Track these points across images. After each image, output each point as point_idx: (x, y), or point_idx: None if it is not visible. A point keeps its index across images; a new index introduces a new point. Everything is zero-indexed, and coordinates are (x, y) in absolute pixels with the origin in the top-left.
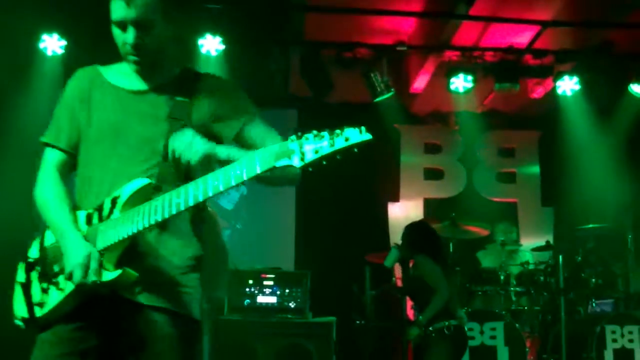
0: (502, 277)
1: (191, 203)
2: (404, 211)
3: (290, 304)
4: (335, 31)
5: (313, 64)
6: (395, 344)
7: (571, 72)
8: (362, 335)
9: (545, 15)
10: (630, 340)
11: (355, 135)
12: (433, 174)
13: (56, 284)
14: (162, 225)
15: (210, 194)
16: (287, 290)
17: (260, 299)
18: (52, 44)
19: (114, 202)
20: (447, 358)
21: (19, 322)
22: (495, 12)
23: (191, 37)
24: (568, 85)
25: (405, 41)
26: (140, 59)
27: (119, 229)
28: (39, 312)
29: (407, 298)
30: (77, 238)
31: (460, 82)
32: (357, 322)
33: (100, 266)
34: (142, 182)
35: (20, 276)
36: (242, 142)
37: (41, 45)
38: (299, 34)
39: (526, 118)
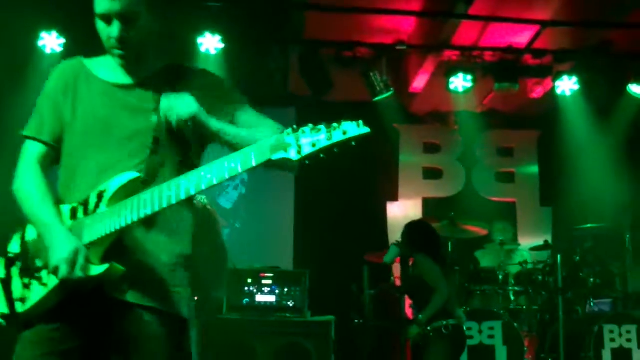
0: (500, 277)
1: (183, 196)
2: (403, 211)
3: (289, 303)
4: (335, 30)
5: (312, 63)
6: (394, 343)
7: (570, 72)
8: (360, 334)
9: (544, 15)
10: (628, 340)
11: (353, 128)
12: (432, 174)
13: (39, 279)
14: (150, 221)
15: (204, 187)
16: (285, 289)
17: (259, 298)
18: (51, 42)
19: (100, 196)
20: (446, 357)
21: None
22: (494, 12)
23: (188, 35)
24: (567, 85)
25: (404, 40)
26: (125, 53)
27: (106, 222)
28: (20, 307)
29: (406, 297)
30: (62, 232)
31: (460, 82)
32: (356, 321)
33: (87, 261)
34: (130, 175)
35: (0, 272)
36: None
37: (40, 43)
38: (298, 33)
39: (525, 118)
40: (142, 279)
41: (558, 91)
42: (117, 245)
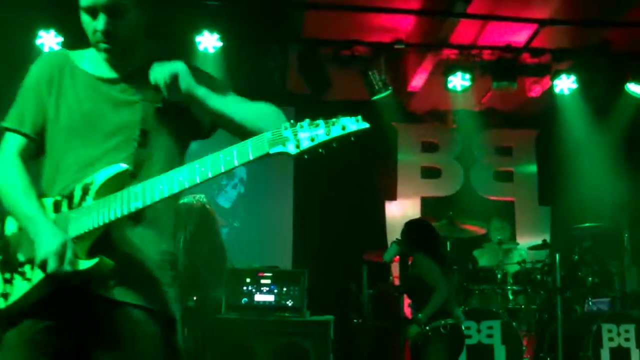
0: (499, 276)
1: (177, 190)
2: (401, 210)
3: (287, 303)
4: (334, 29)
5: (311, 61)
6: (392, 342)
7: (568, 71)
8: (359, 333)
9: (543, 13)
10: (627, 339)
11: (352, 123)
12: (430, 173)
13: (22, 274)
14: (138, 215)
15: (198, 181)
16: (284, 289)
17: (258, 297)
18: (49, 41)
19: (86, 189)
20: (444, 357)
21: None
22: (492, 11)
23: (186, 33)
24: (565, 84)
25: (403, 39)
26: (111, 47)
27: (93, 216)
28: (2, 303)
29: (405, 296)
30: (48, 225)
31: (458, 81)
32: (355, 320)
33: (75, 255)
34: (117, 168)
35: None
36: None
37: (38, 42)
38: (297, 32)
39: (523, 117)
40: (130, 275)
41: (556, 90)
42: (103, 240)
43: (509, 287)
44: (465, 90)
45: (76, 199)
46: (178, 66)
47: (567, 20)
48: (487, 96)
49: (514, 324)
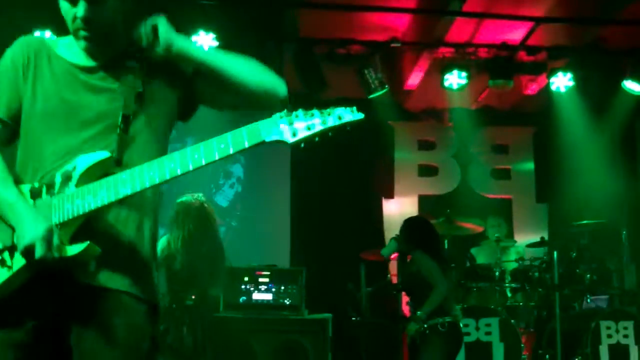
0: (497, 274)
1: (168, 177)
2: (398, 208)
3: (285, 301)
4: (329, 28)
5: (307, 60)
6: (390, 340)
7: (565, 69)
8: (357, 331)
9: (538, 11)
10: (625, 336)
11: (348, 114)
12: (427, 171)
13: (1, 262)
14: (123, 202)
15: (191, 168)
16: (282, 287)
17: (256, 296)
18: None
19: (67, 175)
20: (442, 354)
21: None
22: (488, 9)
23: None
24: (562, 82)
25: (399, 38)
26: (91, 34)
27: (77, 203)
28: None
29: (403, 294)
30: (31, 211)
31: (454, 79)
32: (353, 318)
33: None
34: (101, 155)
35: None
36: (198, 96)
37: None
38: (292, 31)
39: (520, 115)
40: (115, 260)
41: (553, 88)
42: (85, 228)
43: (507, 285)
44: (461, 88)
45: (56, 185)
46: (157, 18)
47: (562, 18)
48: (483, 94)
49: (512, 321)
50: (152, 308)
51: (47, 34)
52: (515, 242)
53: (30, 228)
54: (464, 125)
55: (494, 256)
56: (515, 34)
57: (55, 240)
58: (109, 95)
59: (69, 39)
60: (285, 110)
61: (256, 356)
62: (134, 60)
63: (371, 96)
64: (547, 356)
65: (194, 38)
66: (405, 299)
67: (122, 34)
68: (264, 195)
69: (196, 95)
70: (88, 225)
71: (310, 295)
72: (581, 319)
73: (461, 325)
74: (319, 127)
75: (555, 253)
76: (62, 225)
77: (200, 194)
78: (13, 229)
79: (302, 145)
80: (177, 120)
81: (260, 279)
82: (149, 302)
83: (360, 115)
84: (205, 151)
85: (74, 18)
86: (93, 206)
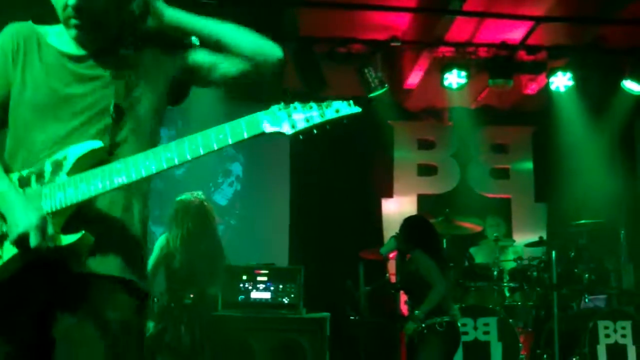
0: (495, 273)
1: (165, 166)
2: (397, 207)
3: (284, 300)
4: (329, 27)
5: (307, 59)
6: (389, 339)
7: (564, 68)
8: (356, 330)
9: (538, 11)
10: (623, 336)
11: (345, 107)
12: (426, 170)
13: None
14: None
15: (189, 157)
16: (281, 286)
17: (254, 294)
18: None
19: (57, 164)
20: (440, 354)
21: None
22: (488, 8)
23: None
24: (561, 81)
25: (399, 37)
26: (82, 22)
27: (69, 192)
28: None
29: (401, 293)
30: (22, 199)
31: (454, 78)
32: (351, 317)
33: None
34: (93, 144)
35: None
36: (195, 69)
37: None
38: (293, 30)
39: (520, 114)
40: (105, 247)
41: (552, 87)
42: (77, 217)
43: (505, 284)
44: (461, 87)
45: (47, 174)
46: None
47: (562, 17)
48: (483, 94)
49: (510, 320)
50: (142, 299)
51: None
52: (514, 241)
53: (23, 217)
54: (463, 125)
55: (493, 256)
56: (515, 33)
57: (50, 230)
58: (99, 83)
59: (60, 27)
60: (282, 103)
61: (254, 355)
62: (125, 47)
63: (371, 95)
64: (545, 356)
65: (194, 37)
66: (403, 298)
67: (113, 22)
68: (263, 194)
69: (193, 70)
70: (79, 214)
71: (308, 294)
72: (579, 319)
73: (459, 324)
74: (317, 120)
75: (553, 253)
76: (55, 214)
77: (200, 192)
78: (3, 218)
79: (301, 137)
80: (168, 105)
81: (259, 278)
82: (140, 291)
83: (358, 109)
84: (204, 141)
85: (65, 6)
86: (87, 195)
